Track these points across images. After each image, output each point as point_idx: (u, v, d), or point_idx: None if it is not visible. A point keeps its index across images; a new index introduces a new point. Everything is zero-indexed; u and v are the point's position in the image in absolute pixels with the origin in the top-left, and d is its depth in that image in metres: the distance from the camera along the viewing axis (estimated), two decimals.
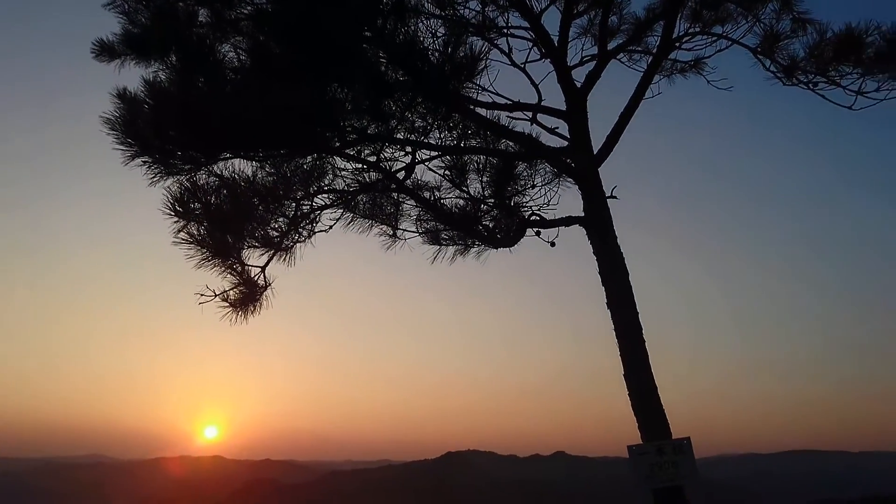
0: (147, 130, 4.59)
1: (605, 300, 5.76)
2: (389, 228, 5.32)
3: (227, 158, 4.75)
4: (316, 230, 5.57)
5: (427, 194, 5.15)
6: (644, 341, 5.62)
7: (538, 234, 5.32)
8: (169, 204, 4.35)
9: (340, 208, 5.26)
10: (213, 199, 4.36)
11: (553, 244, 5.39)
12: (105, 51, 5.68)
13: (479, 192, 5.39)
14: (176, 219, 4.40)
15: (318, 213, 5.59)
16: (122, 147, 4.69)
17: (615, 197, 5.84)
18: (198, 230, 4.44)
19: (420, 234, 5.44)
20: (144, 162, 4.71)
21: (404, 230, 5.43)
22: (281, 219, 4.82)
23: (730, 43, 6.43)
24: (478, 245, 5.50)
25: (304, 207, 5.31)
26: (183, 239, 4.40)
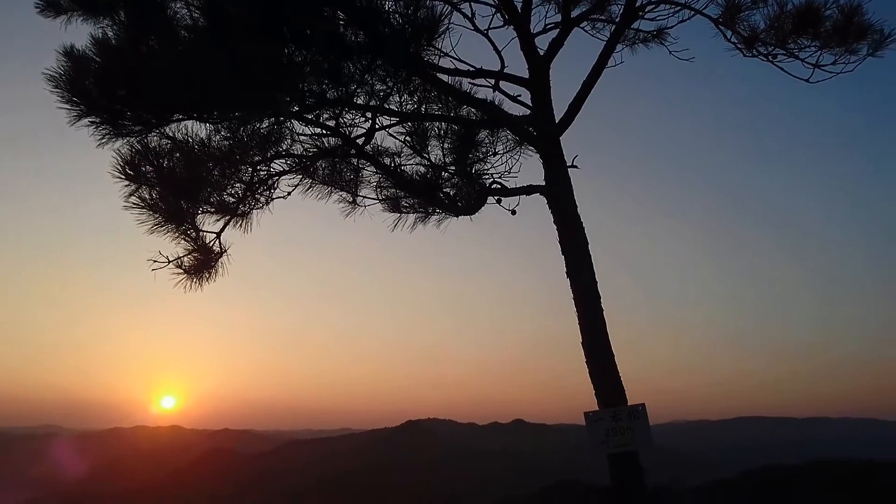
0: (94, 89, 4.38)
1: (565, 269, 5.80)
2: (349, 195, 5.22)
3: (179, 120, 4.57)
4: (274, 197, 5.45)
5: (388, 161, 5.04)
6: (602, 310, 5.69)
7: (499, 202, 5.29)
8: (119, 167, 4.15)
9: (299, 174, 5.13)
10: (165, 162, 4.18)
11: (514, 212, 5.38)
12: (50, 6, 5.39)
13: (440, 160, 5.30)
14: (127, 183, 4.21)
15: (276, 180, 5.46)
16: (67, 106, 4.46)
17: (576, 166, 5.85)
18: (150, 194, 4.27)
19: (380, 201, 5.36)
20: (92, 122, 4.50)
21: (364, 197, 5.34)
22: (237, 184, 4.66)
23: (692, 13, 6.42)
24: (438, 213, 5.45)
25: (261, 173, 5.17)
26: (134, 203, 4.22)
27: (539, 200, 5.86)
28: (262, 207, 5.48)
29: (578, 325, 5.70)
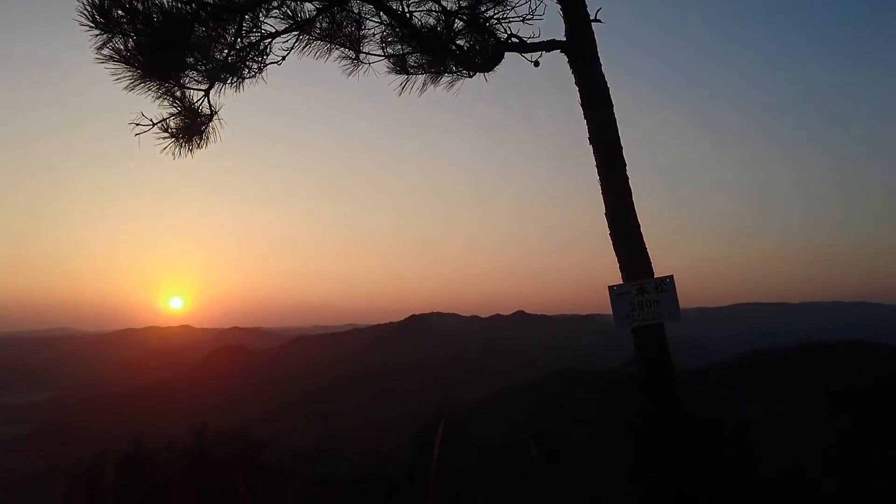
0: None
1: (587, 135, 5.32)
2: (351, 51, 4.64)
3: None
4: (267, 63, 4.86)
5: (395, 5, 4.41)
6: (627, 177, 5.26)
7: (521, 52, 4.70)
8: (87, 13, 3.53)
9: (295, 32, 4.52)
10: (140, 5, 3.57)
11: (537, 63, 4.82)
12: None
13: (453, 5, 4.67)
14: (97, 31, 3.61)
15: (270, 43, 4.86)
16: None
17: (600, 20, 5.23)
18: (125, 45, 3.69)
19: (386, 57, 4.77)
20: None
21: (368, 53, 4.75)
22: (227, 36, 4.07)
23: None
24: (451, 72, 4.90)
25: (253, 33, 4.57)
26: (107, 56, 3.65)
27: (560, 60, 5.30)
28: (254, 76, 4.90)
29: (602, 195, 5.29)
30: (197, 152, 4.12)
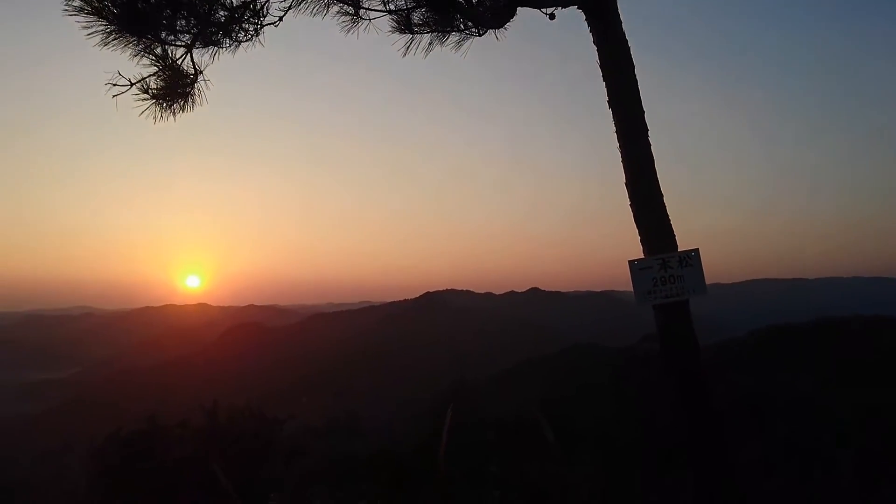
0: None
1: (606, 98, 4.97)
2: (350, 6, 4.28)
3: None
4: (263, 24, 4.53)
5: None
6: (649, 144, 4.91)
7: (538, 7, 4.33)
8: None
9: None
10: None
11: (552, 17, 4.44)
12: None
13: None
14: None
15: (267, 3, 4.52)
16: None
17: None
18: None
19: (388, 13, 4.40)
20: None
21: (368, 8, 4.38)
22: None
23: None
24: (458, 30, 4.53)
25: None
26: (77, 7, 3.31)
27: (578, 18, 4.92)
28: (251, 39, 4.56)
29: (622, 163, 4.94)
30: (194, 123, 3.80)
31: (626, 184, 4.96)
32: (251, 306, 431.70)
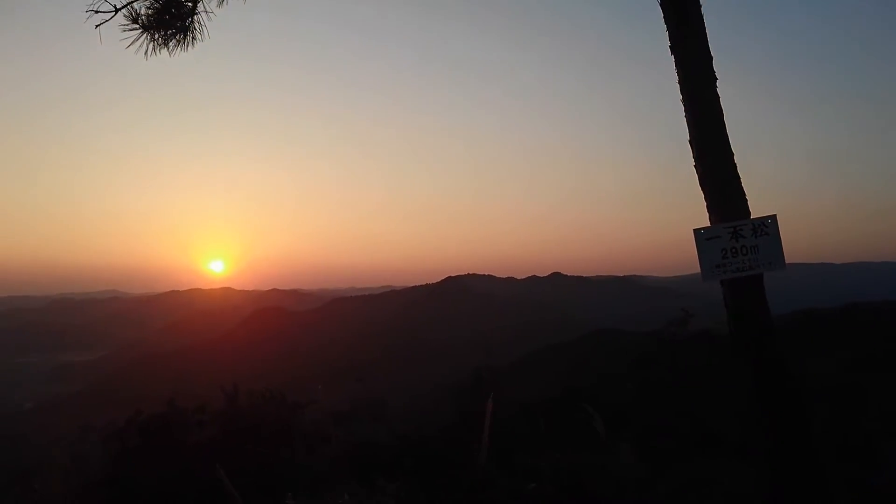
0: None
1: (668, 42, 4.35)
2: None
3: None
4: None
5: None
6: (718, 97, 4.30)
7: None
8: None
9: None
10: None
11: None
12: None
13: None
14: None
15: None
16: None
17: None
18: None
19: None
20: None
21: None
22: None
23: None
24: None
25: None
26: None
27: None
28: None
29: (685, 116, 4.33)
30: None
31: (689, 140, 4.35)
32: (274, 290, 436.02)
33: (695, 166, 4.33)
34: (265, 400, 12.76)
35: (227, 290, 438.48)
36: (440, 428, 16.23)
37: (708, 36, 4.30)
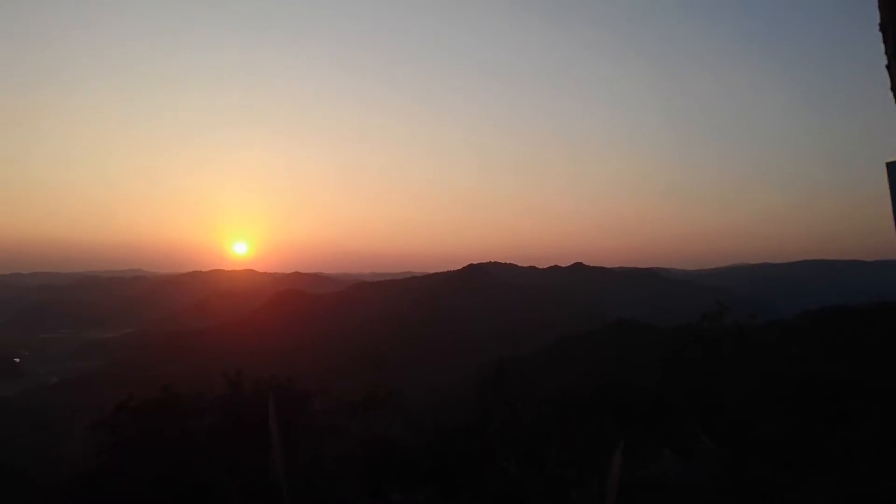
0: None
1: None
2: None
3: None
4: None
5: None
6: None
7: None
8: None
9: None
10: None
11: None
12: None
13: None
14: None
15: None
16: None
17: None
18: None
19: None
20: None
21: None
22: None
23: None
24: None
25: None
26: None
27: None
28: None
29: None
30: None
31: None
32: (296, 273, 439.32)
33: (890, 86, 2.96)
34: (270, 387, 11.64)
35: (249, 272, 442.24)
36: (460, 423, 14.98)
37: None
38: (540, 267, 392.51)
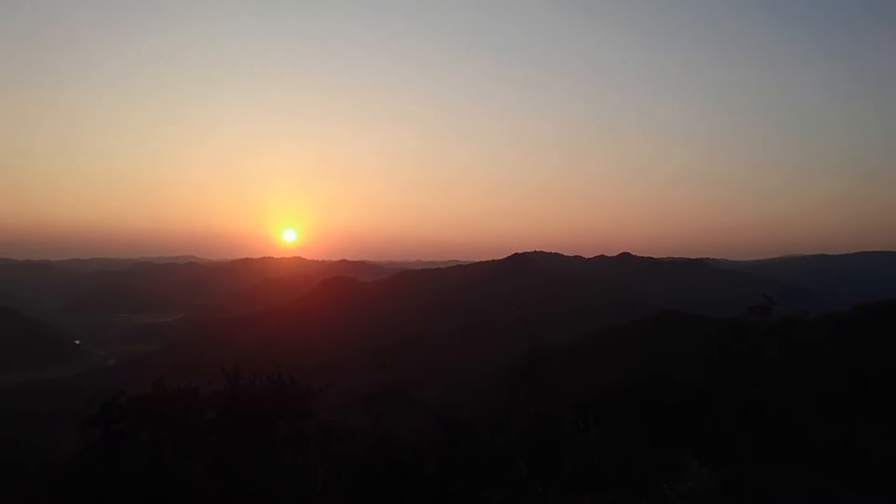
0: None
1: None
2: None
3: None
4: None
5: None
6: None
7: None
8: None
9: None
10: None
11: None
12: None
13: None
14: None
15: None
16: None
17: None
18: None
19: None
20: None
21: None
22: None
23: None
24: None
25: None
26: None
27: None
28: None
29: None
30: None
31: None
32: (343, 261, 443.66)
33: None
34: (271, 383, 11.47)
35: (297, 259, 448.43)
36: (479, 420, 14.65)
37: None
38: (586, 256, 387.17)
